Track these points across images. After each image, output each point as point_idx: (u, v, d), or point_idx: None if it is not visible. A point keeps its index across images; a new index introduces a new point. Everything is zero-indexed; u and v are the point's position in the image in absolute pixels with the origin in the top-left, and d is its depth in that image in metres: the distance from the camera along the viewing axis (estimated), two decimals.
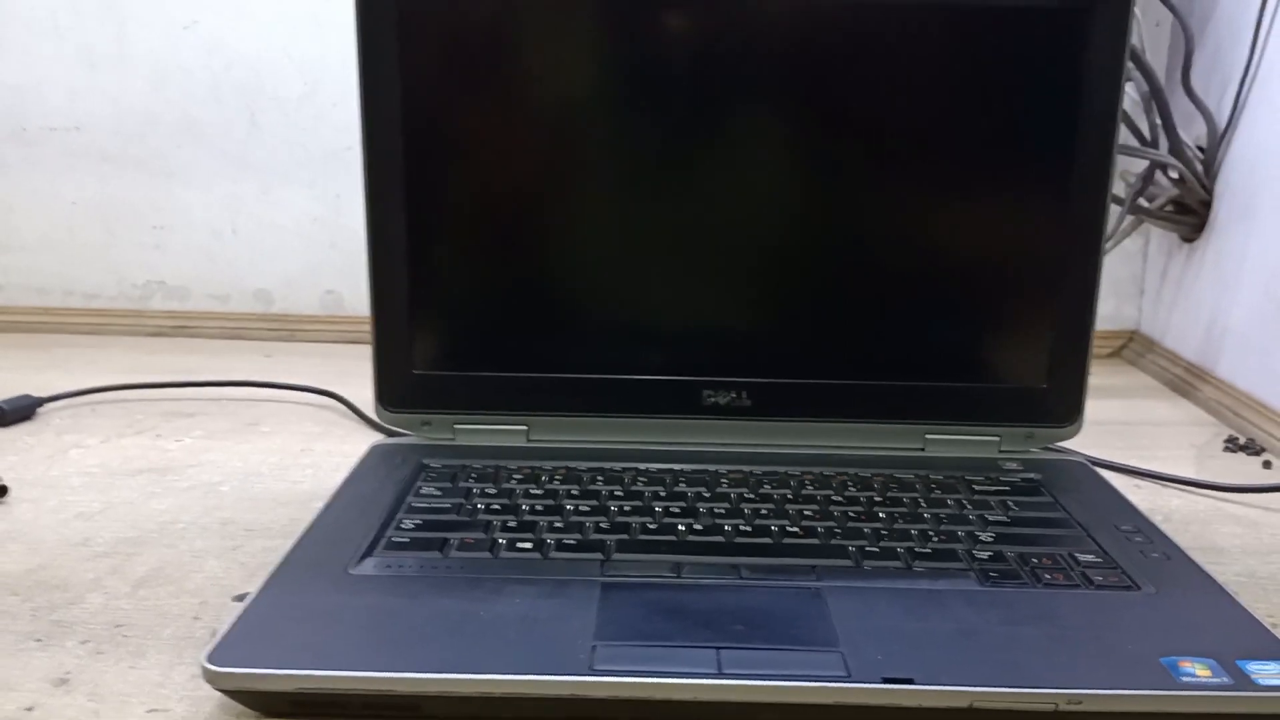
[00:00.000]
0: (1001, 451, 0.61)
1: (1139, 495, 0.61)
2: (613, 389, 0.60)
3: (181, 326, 0.97)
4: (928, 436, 0.61)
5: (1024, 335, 0.60)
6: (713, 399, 0.60)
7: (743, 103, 0.58)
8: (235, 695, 0.38)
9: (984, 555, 0.47)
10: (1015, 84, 0.57)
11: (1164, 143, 0.85)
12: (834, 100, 0.58)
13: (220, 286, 0.99)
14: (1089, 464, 0.60)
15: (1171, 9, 0.86)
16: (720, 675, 0.37)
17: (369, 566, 0.45)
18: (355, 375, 0.81)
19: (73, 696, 0.40)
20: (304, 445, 0.68)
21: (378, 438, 0.63)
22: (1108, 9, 0.56)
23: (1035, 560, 0.47)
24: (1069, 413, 0.61)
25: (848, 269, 0.60)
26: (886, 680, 0.37)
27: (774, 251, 0.60)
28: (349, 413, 0.75)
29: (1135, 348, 0.99)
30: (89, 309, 0.99)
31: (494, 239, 0.60)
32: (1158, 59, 0.88)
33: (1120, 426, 0.76)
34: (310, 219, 0.96)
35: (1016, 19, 0.56)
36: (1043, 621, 0.42)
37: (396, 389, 0.60)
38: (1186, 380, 0.87)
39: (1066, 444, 0.62)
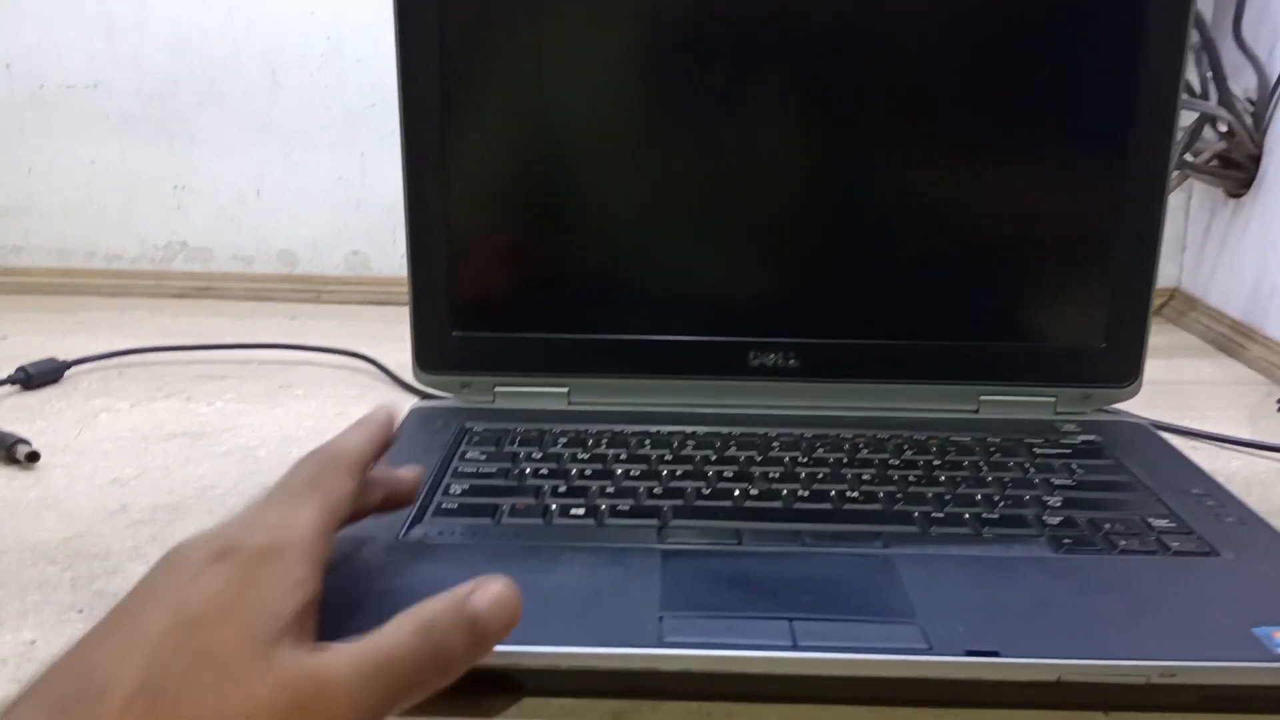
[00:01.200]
0: (1057, 413, 0.59)
1: (1196, 458, 0.59)
2: (656, 350, 0.59)
3: (205, 288, 0.96)
4: (982, 398, 0.59)
5: (1082, 293, 0.58)
6: (759, 360, 0.59)
7: (793, 56, 0.56)
8: None
9: (1054, 521, 0.46)
10: (1076, 31, 0.55)
11: (1214, 94, 0.82)
12: (887, 51, 0.56)
13: (244, 248, 0.97)
14: (1149, 426, 0.59)
15: None
16: (795, 648, 0.36)
17: (420, 533, 0.44)
18: (383, 337, 0.80)
19: None
20: (339, 409, 0.67)
21: (414, 400, 0.62)
22: None
23: (1108, 526, 0.45)
24: (1127, 373, 0.59)
25: (899, 225, 0.58)
26: (970, 653, 0.35)
27: (822, 208, 0.58)
28: (382, 375, 0.73)
29: (1176, 306, 0.97)
30: (111, 270, 0.98)
31: (534, 197, 0.58)
32: (1206, 7, 0.85)
33: (1166, 387, 0.74)
34: (335, 179, 0.94)
35: None
36: (1124, 590, 0.40)
37: (435, 351, 0.59)
38: (1232, 339, 0.84)
39: (1116, 406, 0.60)
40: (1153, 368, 0.73)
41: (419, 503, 0.46)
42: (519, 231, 0.58)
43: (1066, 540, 0.44)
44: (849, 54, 0.56)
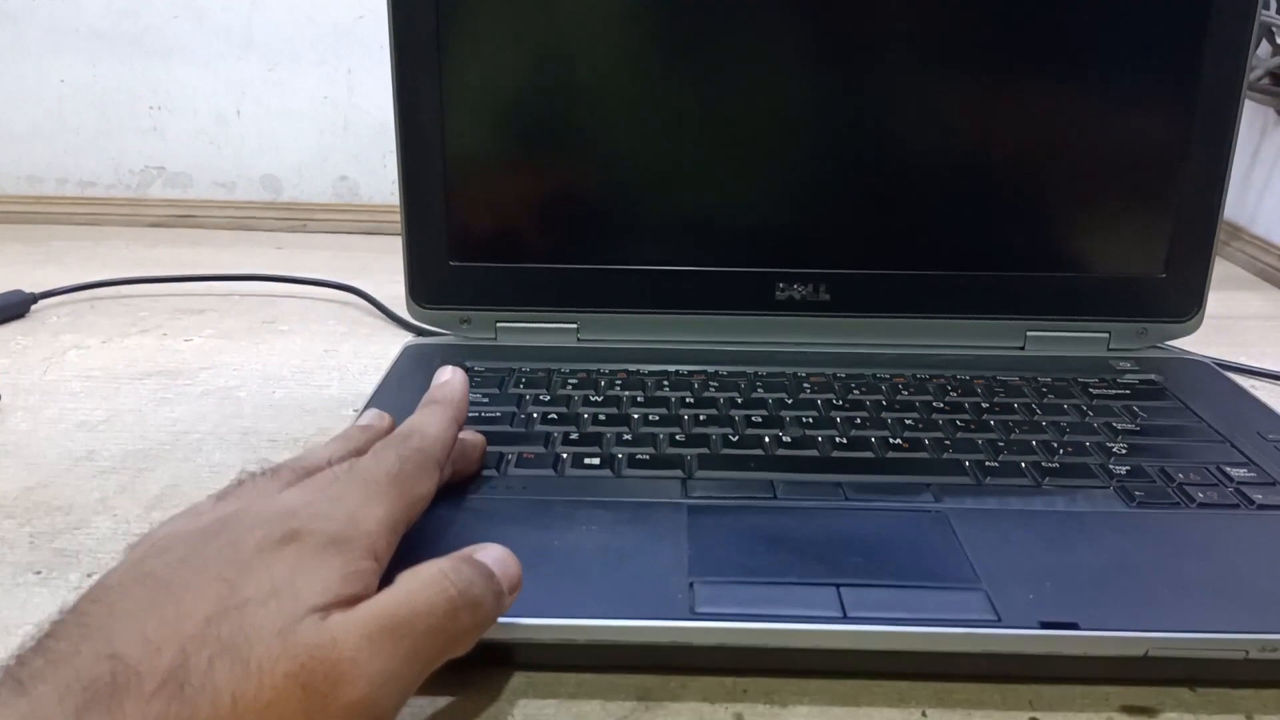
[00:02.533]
0: (1110, 350, 0.54)
1: (1262, 399, 0.54)
2: (674, 283, 0.53)
3: (184, 216, 0.90)
4: (1029, 334, 0.54)
5: (1141, 217, 0.53)
6: (787, 293, 0.53)
7: None
8: None
9: (1121, 470, 0.41)
10: None
11: (1273, 3, 0.76)
12: None
13: (225, 174, 0.91)
14: (1211, 364, 0.54)
15: None
16: (846, 620, 0.31)
17: None
18: (374, 269, 0.75)
19: None
20: (327, 346, 0.62)
21: (408, 338, 0.57)
22: None
23: (1181, 476, 0.40)
24: (1188, 306, 0.54)
25: (940, 144, 0.52)
26: (1045, 625, 0.31)
27: (857, 126, 0.52)
28: (374, 310, 0.68)
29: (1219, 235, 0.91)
30: (84, 198, 0.92)
31: (539, 114, 0.52)
32: None
33: (1216, 321, 0.69)
34: (320, 99, 0.87)
35: None
36: (1209, 550, 0.36)
37: (431, 283, 0.53)
38: None
39: (1172, 344, 0.55)
40: None
41: None
42: (522, 152, 0.53)
43: (1138, 492, 0.39)
44: None
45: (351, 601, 0.26)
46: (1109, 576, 0.34)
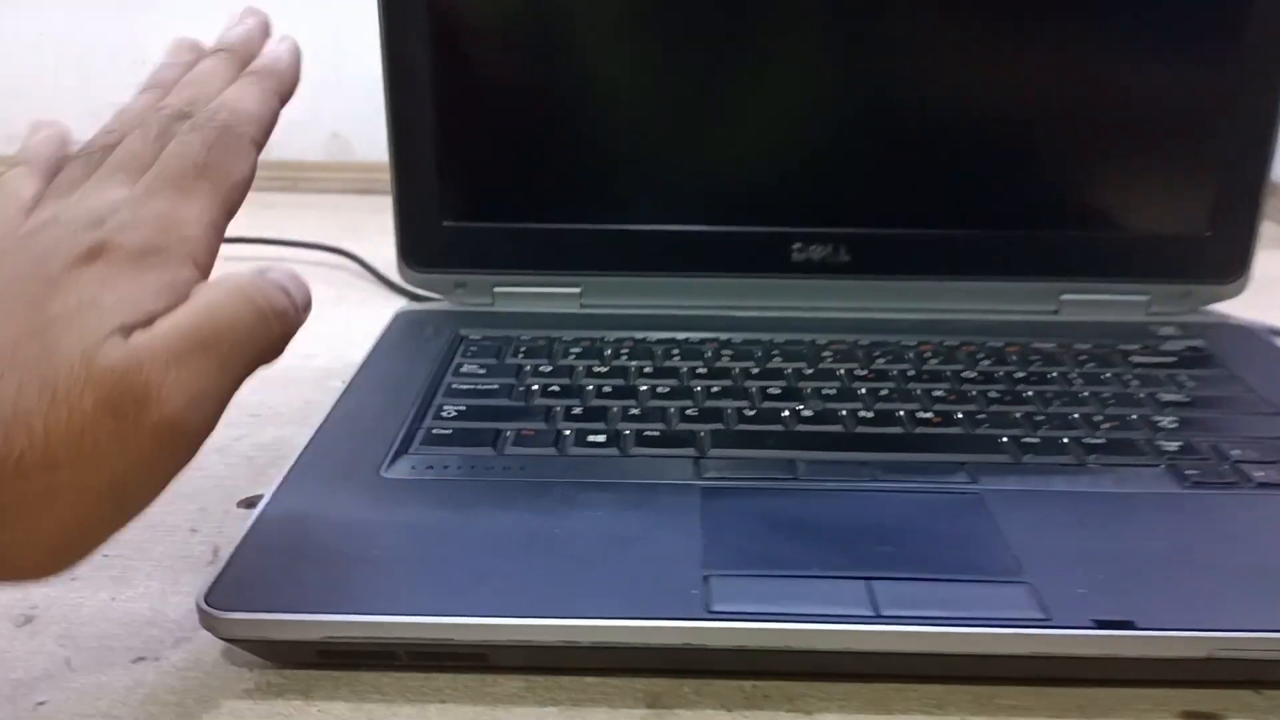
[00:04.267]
0: (1150, 314, 0.51)
1: None
2: (683, 243, 0.50)
3: None
4: (1063, 297, 0.50)
5: (1183, 171, 0.49)
6: (804, 254, 0.50)
7: None
8: (244, 645, 0.30)
9: (1171, 446, 0.38)
10: None
11: None
12: None
13: None
14: (1259, 329, 0.50)
15: None
16: (879, 619, 0.28)
17: (405, 467, 0.36)
18: (368, 230, 0.71)
19: (39, 640, 0.31)
20: (315, 311, 0.58)
21: (402, 303, 0.53)
22: None
23: (1237, 453, 0.37)
24: (1234, 267, 0.50)
25: (967, 92, 0.49)
26: (1099, 624, 0.28)
27: (879, 73, 0.48)
28: (365, 273, 0.65)
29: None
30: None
31: (539, 60, 0.48)
32: None
33: (1259, 283, 0.65)
34: (309, 51, 0.83)
35: None
36: (1272, 536, 0.32)
37: (424, 244, 0.50)
38: None
39: (1214, 308, 0.52)
40: None
41: (404, 427, 0.38)
42: (521, 102, 0.49)
43: (1191, 471, 0.36)
44: None
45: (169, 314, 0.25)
46: (1165, 568, 0.31)
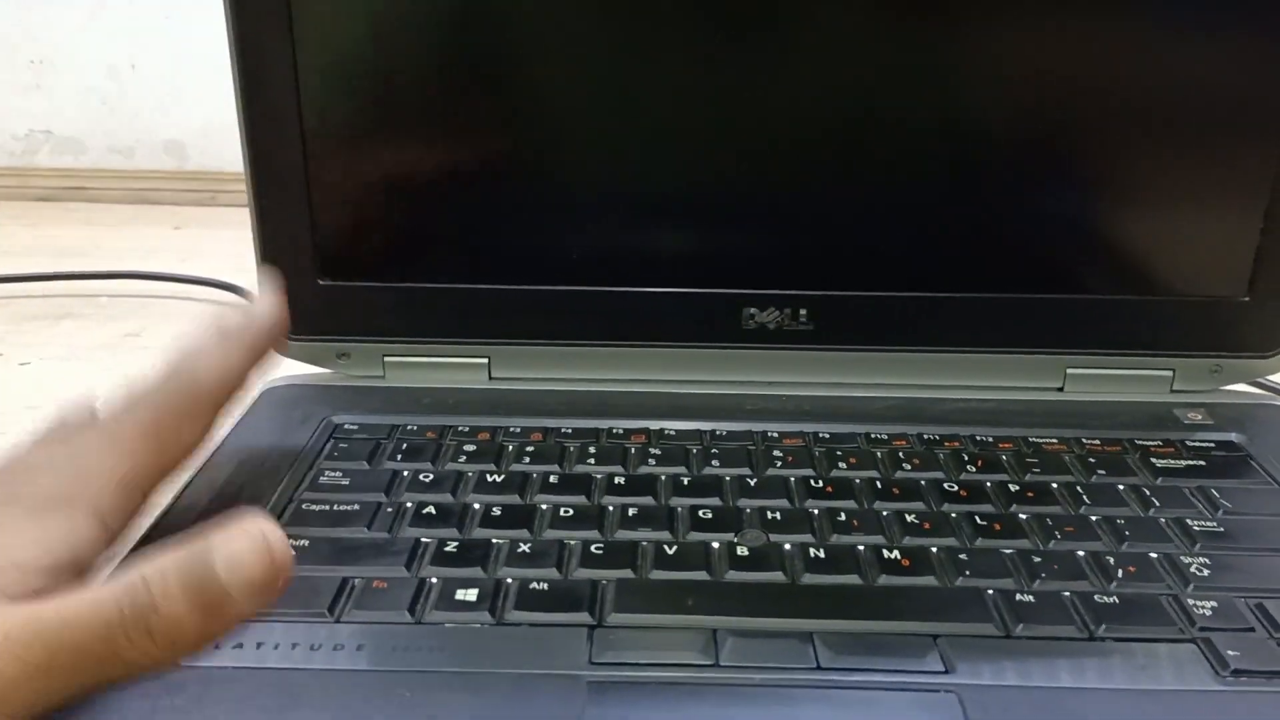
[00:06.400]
0: (1173, 392, 0.42)
1: None
2: (612, 306, 0.41)
3: (77, 188, 0.77)
4: (1070, 371, 0.42)
5: (1215, 220, 0.41)
6: (758, 319, 0.41)
7: None
8: None
9: (1205, 609, 0.29)
10: None
11: None
12: None
13: (121, 137, 0.78)
14: None
15: None
16: None
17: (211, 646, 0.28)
18: None
19: None
20: None
21: (284, 367, 0.45)
22: None
23: None
24: (1274, 336, 0.42)
25: (953, 125, 0.40)
26: None
27: (850, 106, 0.40)
28: None
29: None
30: None
31: (433, 81, 0.40)
32: None
33: None
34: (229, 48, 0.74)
35: None
36: None
37: (296, 308, 0.41)
38: None
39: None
40: None
41: None
42: (411, 134, 0.40)
43: (1231, 653, 0.28)
44: None
45: (69, 568, 0.25)
46: None
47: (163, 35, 0.75)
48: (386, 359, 0.42)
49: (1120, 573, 0.31)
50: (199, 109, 0.77)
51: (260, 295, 0.34)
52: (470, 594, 0.29)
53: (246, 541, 0.23)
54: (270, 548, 0.23)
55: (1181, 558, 0.31)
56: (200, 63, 0.75)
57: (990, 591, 0.30)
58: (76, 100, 0.77)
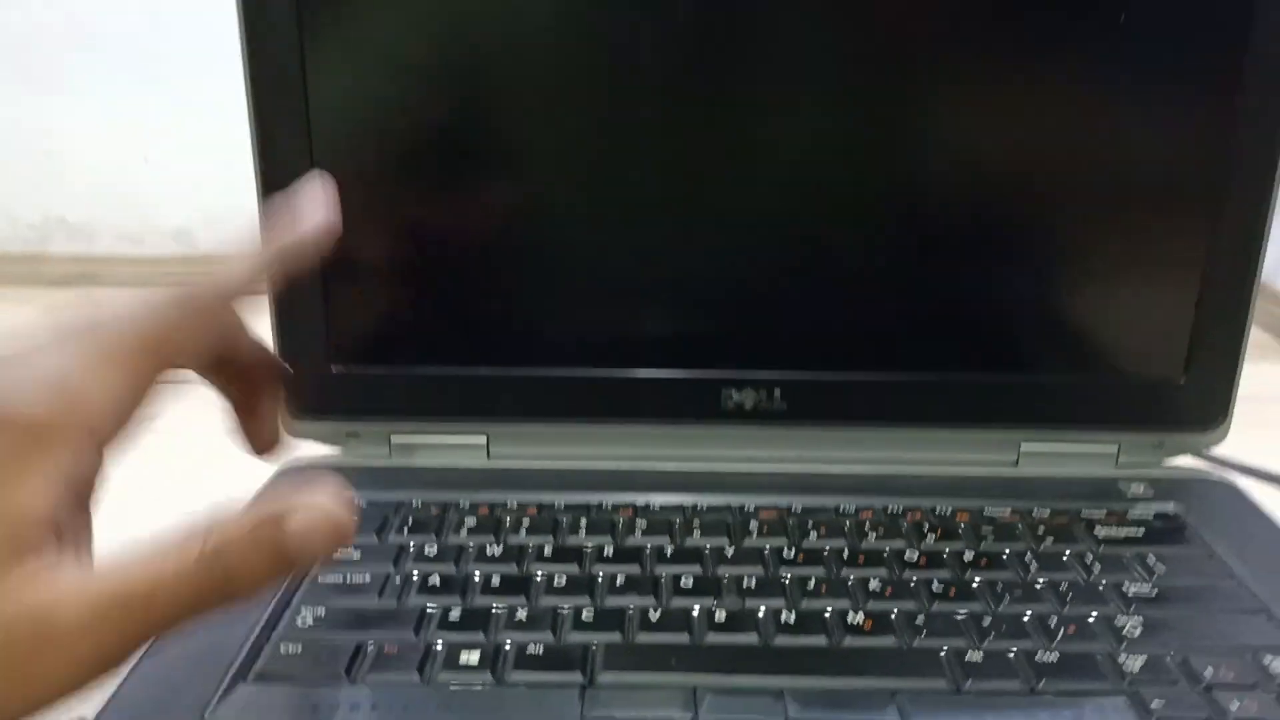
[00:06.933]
0: (1119, 466, 0.46)
1: None
2: (601, 388, 0.45)
3: (88, 274, 0.81)
4: (1024, 447, 0.45)
5: (1155, 307, 0.44)
6: (736, 400, 0.45)
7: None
8: None
9: (1135, 664, 0.33)
10: None
11: None
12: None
13: (131, 226, 0.82)
14: (1237, 486, 0.45)
15: None
16: None
17: (233, 710, 0.30)
18: None
19: None
20: (202, 459, 0.53)
21: (297, 449, 0.48)
22: None
23: (1210, 671, 0.32)
24: (1214, 412, 0.45)
25: (916, 224, 0.44)
26: None
27: (817, 202, 0.44)
28: None
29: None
30: None
31: (438, 184, 0.44)
32: None
33: (1244, 403, 0.60)
34: (236, 140, 0.79)
35: None
36: None
37: (309, 391, 0.45)
38: None
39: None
40: None
41: (251, 638, 0.33)
42: (420, 227, 0.44)
43: (1155, 702, 0.31)
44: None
45: (63, 520, 0.24)
46: None
47: (169, 125, 0.79)
48: (393, 439, 0.46)
49: (1061, 632, 0.34)
50: (205, 196, 0.81)
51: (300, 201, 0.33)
52: (473, 657, 0.33)
53: (315, 516, 0.25)
54: (336, 526, 0.25)
55: (1117, 619, 0.35)
56: (207, 151, 0.79)
57: (944, 651, 0.33)
58: (89, 189, 0.82)
